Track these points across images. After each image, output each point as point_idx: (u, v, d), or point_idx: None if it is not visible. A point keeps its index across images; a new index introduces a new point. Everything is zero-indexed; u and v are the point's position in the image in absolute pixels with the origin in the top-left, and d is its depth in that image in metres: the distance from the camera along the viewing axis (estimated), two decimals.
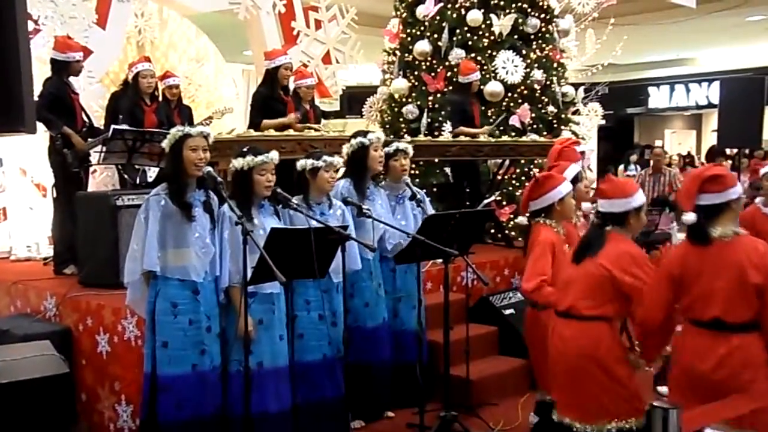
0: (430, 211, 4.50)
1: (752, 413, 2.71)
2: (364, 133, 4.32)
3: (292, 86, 6.01)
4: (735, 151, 8.21)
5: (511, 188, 7.02)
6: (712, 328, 2.80)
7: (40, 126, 5.08)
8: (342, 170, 4.28)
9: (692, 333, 2.89)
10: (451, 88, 7.04)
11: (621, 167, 11.85)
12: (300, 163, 3.95)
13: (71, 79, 5.41)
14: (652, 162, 8.80)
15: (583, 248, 3.14)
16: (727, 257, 2.78)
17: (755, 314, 2.75)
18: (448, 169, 6.80)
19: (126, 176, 5.34)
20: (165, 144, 3.49)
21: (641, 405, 3.02)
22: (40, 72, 5.33)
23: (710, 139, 16.81)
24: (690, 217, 2.80)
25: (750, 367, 2.75)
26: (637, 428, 3.02)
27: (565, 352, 3.10)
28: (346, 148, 4.29)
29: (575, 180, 3.90)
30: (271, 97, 5.72)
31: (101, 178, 6.66)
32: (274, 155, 3.61)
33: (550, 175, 3.72)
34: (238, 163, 3.57)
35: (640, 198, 3.12)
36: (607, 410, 3.02)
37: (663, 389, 4.70)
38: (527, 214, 3.79)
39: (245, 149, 3.63)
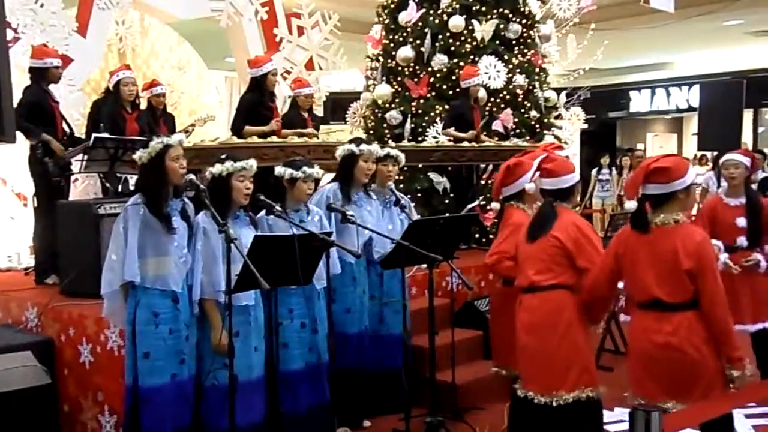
0: (415, 216, 4.51)
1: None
2: (358, 142, 4.32)
3: (287, 93, 6.02)
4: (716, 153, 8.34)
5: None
6: (655, 309, 2.95)
7: (21, 135, 5.04)
8: (325, 178, 4.28)
9: (639, 316, 3.05)
10: (434, 94, 7.08)
11: (594, 171, 11.95)
12: (278, 171, 3.90)
13: (52, 87, 5.37)
14: (632, 164, 8.89)
15: (538, 226, 3.33)
16: (663, 243, 2.93)
17: (693, 294, 2.90)
18: (432, 174, 6.82)
19: (107, 185, 5.30)
20: (143, 156, 3.41)
21: (595, 376, 3.28)
22: (20, 80, 5.29)
23: (691, 142, 16.97)
24: (630, 205, 3.02)
25: (696, 342, 2.88)
26: (589, 398, 3.20)
27: (530, 322, 3.28)
28: (339, 152, 4.31)
29: None
30: (259, 103, 5.71)
31: (83, 186, 6.60)
32: (252, 162, 3.59)
33: (520, 162, 3.84)
34: (216, 169, 3.54)
35: (578, 173, 3.44)
36: (563, 379, 3.19)
37: None
38: (500, 200, 3.97)
39: (223, 156, 3.61)
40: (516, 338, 3.39)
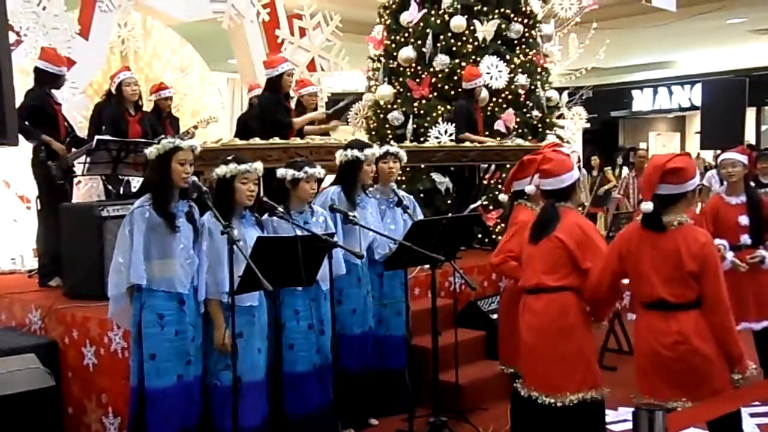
0: (419, 216, 4.50)
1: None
2: (361, 146, 4.29)
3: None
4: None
5: (497, 193, 7.05)
6: (660, 309, 2.94)
7: (22, 137, 5.05)
8: (329, 177, 4.28)
9: (645, 316, 3.03)
10: (436, 94, 7.08)
11: (608, 169, 11.86)
12: (280, 172, 3.91)
13: (54, 90, 5.38)
14: (635, 163, 8.87)
15: (540, 227, 3.30)
16: (667, 244, 2.91)
17: (697, 294, 2.89)
18: (434, 175, 6.82)
19: (110, 187, 5.31)
20: (151, 153, 3.45)
21: (599, 378, 3.27)
22: (22, 83, 5.31)
23: (694, 140, 16.95)
24: (648, 206, 2.91)
25: (703, 340, 2.86)
26: (593, 399, 3.20)
27: (535, 324, 3.26)
28: (340, 156, 4.27)
29: None
30: (278, 102, 5.71)
31: (85, 189, 6.62)
32: (257, 165, 3.59)
33: (534, 159, 3.79)
34: (220, 170, 3.55)
35: (576, 170, 3.40)
36: (569, 381, 3.17)
37: None
38: (510, 194, 3.94)
39: (229, 158, 3.62)
40: (520, 338, 3.38)
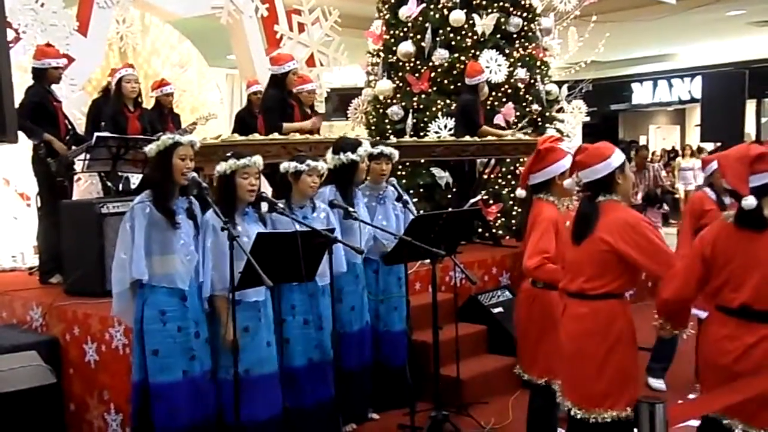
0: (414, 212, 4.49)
1: (748, 406, 2.64)
2: (354, 147, 4.23)
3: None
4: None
5: (497, 187, 7.05)
6: (739, 316, 2.67)
7: (23, 135, 5.05)
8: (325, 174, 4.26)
9: (718, 321, 2.77)
10: (435, 88, 7.07)
11: None
12: (283, 166, 3.91)
13: (54, 87, 5.37)
14: (635, 161, 8.82)
15: (580, 226, 2.94)
16: (765, 242, 2.63)
17: None
18: (434, 170, 6.81)
19: (109, 184, 5.31)
20: (151, 150, 3.46)
21: (637, 394, 2.89)
22: (22, 80, 5.30)
23: (694, 133, 16.93)
24: (750, 201, 2.61)
25: None
26: (627, 418, 2.89)
27: (578, 331, 2.94)
28: (334, 160, 4.20)
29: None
30: (282, 99, 5.70)
31: (85, 186, 6.62)
32: (257, 159, 3.59)
33: (552, 148, 3.49)
34: (221, 167, 3.56)
35: (619, 156, 2.94)
36: (608, 396, 2.89)
37: (655, 383, 4.74)
38: (526, 188, 3.63)
39: (229, 153, 3.62)
40: (560, 345, 3.07)
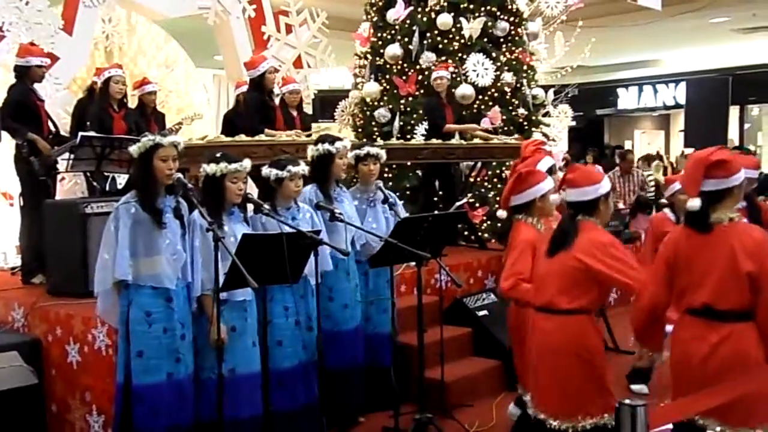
0: (403, 214, 4.50)
1: (722, 405, 2.69)
2: (332, 140, 4.26)
3: (276, 92, 5.99)
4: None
5: (483, 190, 7.07)
6: (703, 316, 2.76)
7: (6, 134, 5.01)
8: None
9: (685, 324, 2.85)
10: (422, 91, 7.09)
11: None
12: (264, 172, 3.91)
13: (37, 85, 5.33)
14: (621, 167, 8.88)
15: (557, 241, 3.07)
16: (719, 243, 2.73)
17: (748, 302, 2.71)
18: (420, 172, 6.82)
19: (94, 184, 5.27)
20: (134, 151, 3.45)
21: (614, 401, 2.98)
22: (5, 78, 5.26)
23: (678, 138, 17.06)
24: (695, 203, 2.75)
25: (741, 361, 2.70)
26: (609, 425, 2.96)
27: (546, 346, 3.05)
28: (311, 152, 4.25)
29: (549, 172, 3.86)
30: (263, 102, 5.66)
31: (69, 185, 6.57)
32: (246, 164, 3.60)
33: (533, 171, 3.63)
34: (210, 168, 3.54)
35: (606, 184, 3.10)
36: (582, 406, 2.98)
37: (636, 387, 4.76)
38: (508, 208, 3.70)
39: (218, 155, 3.61)
40: (529, 359, 3.20)
